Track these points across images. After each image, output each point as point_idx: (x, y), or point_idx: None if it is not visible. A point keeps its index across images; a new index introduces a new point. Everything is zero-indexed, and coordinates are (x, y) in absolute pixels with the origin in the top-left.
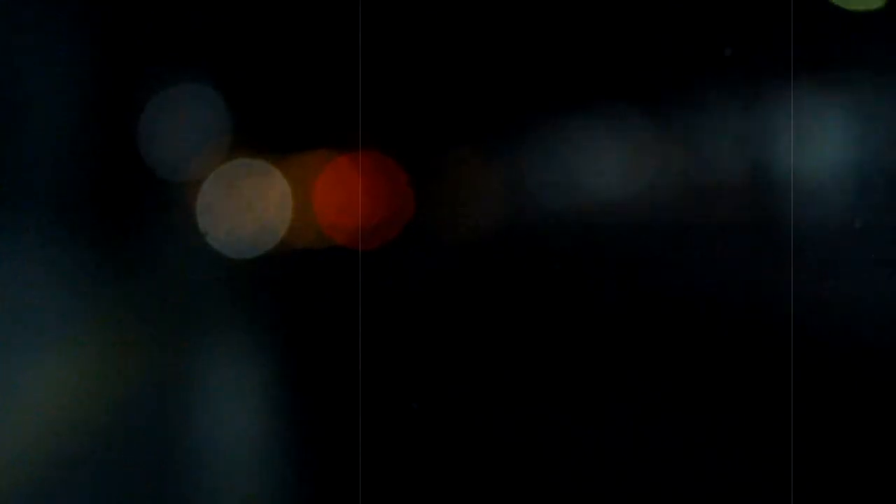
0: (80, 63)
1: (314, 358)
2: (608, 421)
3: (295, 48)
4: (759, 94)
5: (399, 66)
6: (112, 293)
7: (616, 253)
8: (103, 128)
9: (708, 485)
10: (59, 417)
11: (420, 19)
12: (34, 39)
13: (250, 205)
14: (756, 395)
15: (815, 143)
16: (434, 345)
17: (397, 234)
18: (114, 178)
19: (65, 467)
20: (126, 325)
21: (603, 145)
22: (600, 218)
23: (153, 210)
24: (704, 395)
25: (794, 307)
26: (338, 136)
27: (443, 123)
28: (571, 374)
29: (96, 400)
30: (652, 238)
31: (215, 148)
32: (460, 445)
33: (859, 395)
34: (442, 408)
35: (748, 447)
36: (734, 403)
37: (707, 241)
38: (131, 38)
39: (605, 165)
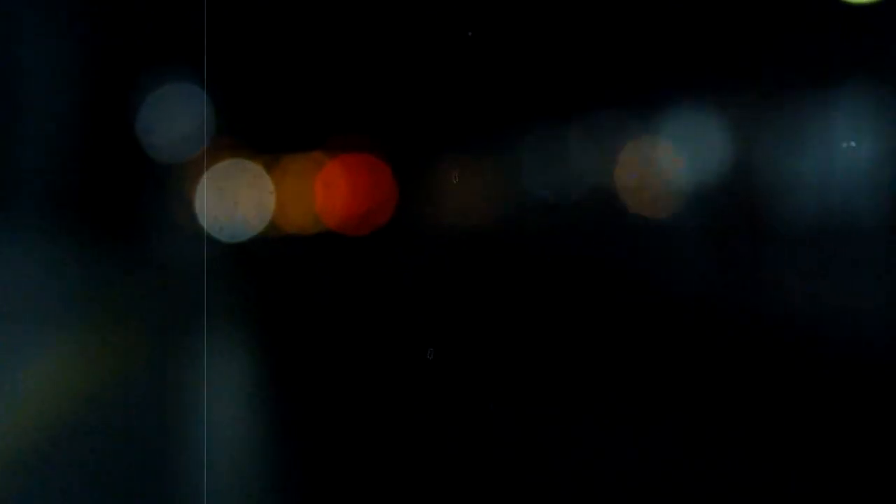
0: (78, 62)
1: (307, 343)
2: (601, 417)
3: (297, 55)
4: (753, 96)
5: (388, 69)
6: (109, 288)
7: (595, 248)
8: (100, 128)
9: (702, 484)
10: (58, 415)
11: (405, 26)
12: (33, 39)
13: (246, 197)
14: (753, 395)
15: (814, 145)
16: (425, 330)
17: (385, 222)
18: (110, 176)
19: (63, 465)
20: (122, 320)
21: (584, 144)
22: (582, 214)
23: (150, 205)
24: (700, 394)
25: (785, 308)
26: (331, 134)
27: (428, 125)
28: (558, 360)
29: (93, 396)
30: (640, 237)
31: (211, 145)
32: (451, 434)
33: (853, 396)
34: (424, 398)
35: (748, 447)
36: (730, 403)
37: (700, 242)
38: (127, 38)
39: (585, 164)
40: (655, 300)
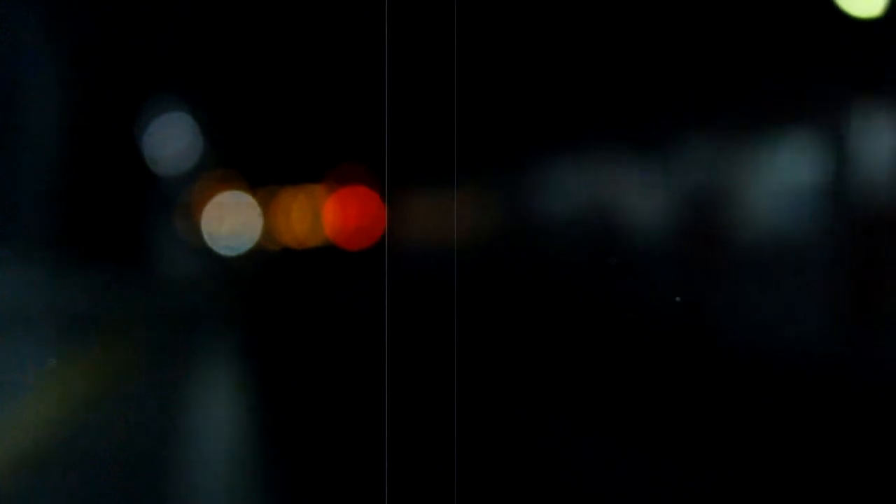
0: (81, 67)
1: (308, 356)
2: (601, 429)
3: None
4: (751, 110)
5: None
6: (110, 295)
7: (597, 261)
8: (103, 136)
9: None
10: (59, 417)
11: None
12: (31, 42)
13: (242, 218)
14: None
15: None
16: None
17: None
18: (112, 183)
19: (64, 467)
20: (125, 327)
21: (583, 164)
22: (580, 232)
23: (151, 212)
24: (700, 403)
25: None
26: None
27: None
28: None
29: (95, 401)
30: (640, 248)
31: (207, 172)
32: (450, 443)
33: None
34: (428, 411)
35: (748, 458)
36: (729, 411)
37: (700, 255)
38: (128, 50)
39: (584, 183)
40: (651, 318)
